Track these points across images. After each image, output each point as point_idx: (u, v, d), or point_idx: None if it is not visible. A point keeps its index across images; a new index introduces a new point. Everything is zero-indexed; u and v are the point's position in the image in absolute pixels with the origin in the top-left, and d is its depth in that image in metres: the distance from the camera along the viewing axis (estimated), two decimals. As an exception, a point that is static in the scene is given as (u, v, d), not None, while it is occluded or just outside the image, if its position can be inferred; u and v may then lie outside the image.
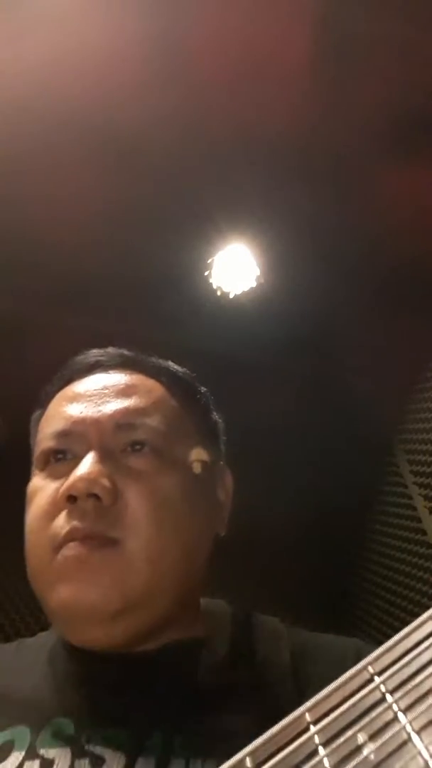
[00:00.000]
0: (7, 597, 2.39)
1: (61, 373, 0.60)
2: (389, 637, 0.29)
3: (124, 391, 0.55)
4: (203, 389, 0.63)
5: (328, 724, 0.25)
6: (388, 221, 1.89)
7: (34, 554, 0.50)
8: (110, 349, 0.61)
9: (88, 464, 0.49)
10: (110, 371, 0.58)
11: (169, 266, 1.99)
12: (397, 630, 0.29)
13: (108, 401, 0.54)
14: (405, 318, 2.17)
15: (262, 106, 1.59)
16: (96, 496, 0.48)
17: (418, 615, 0.29)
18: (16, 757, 0.44)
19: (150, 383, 0.57)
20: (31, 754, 0.44)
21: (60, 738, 0.44)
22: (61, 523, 0.48)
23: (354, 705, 0.26)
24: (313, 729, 0.25)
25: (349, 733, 0.25)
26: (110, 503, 0.48)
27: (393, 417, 2.50)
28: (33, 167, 1.68)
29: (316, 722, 0.26)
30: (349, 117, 1.61)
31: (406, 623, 0.29)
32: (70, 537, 0.47)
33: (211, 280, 2.05)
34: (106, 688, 0.48)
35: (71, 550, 0.47)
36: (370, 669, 0.28)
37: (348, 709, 0.26)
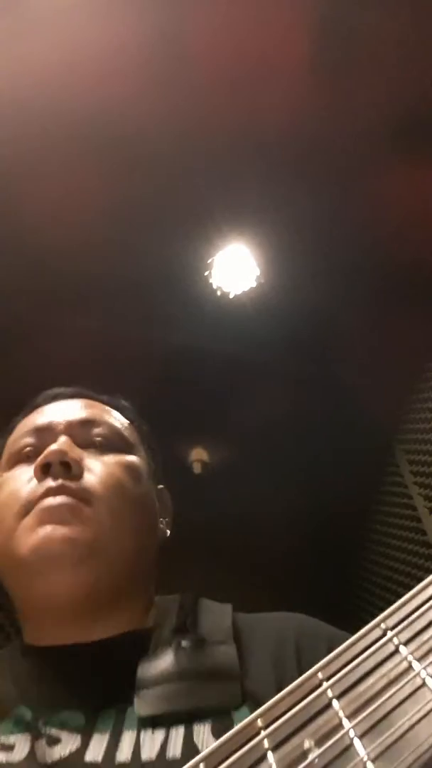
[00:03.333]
0: (7, 597, 2.39)
1: (26, 407, 0.68)
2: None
3: (85, 405, 0.65)
4: (145, 426, 0.72)
5: (277, 728, 0.26)
6: (388, 221, 1.89)
7: (4, 523, 0.54)
8: (66, 388, 0.71)
9: (60, 441, 0.56)
10: (70, 399, 0.67)
11: (169, 266, 1.99)
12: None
13: (73, 411, 0.63)
14: (404, 318, 2.17)
15: (262, 106, 1.59)
16: (68, 465, 0.54)
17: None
18: None
19: (105, 407, 0.67)
20: None
21: (19, 725, 0.47)
22: (35, 487, 0.54)
23: (302, 710, 0.26)
24: (263, 733, 0.26)
25: (296, 738, 0.25)
26: (78, 474, 0.55)
27: (393, 417, 2.50)
28: (33, 167, 1.68)
29: (266, 727, 0.26)
30: (349, 117, 1.61)
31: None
32: (44, 494, 0.53)
33: (211, 280, 2.05)
34: (61, 677, 0.51)
35: (46, 502, 0.52)
36: (320, 675, 0.28)
37: (296, 714, 0.26)
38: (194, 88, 1.54)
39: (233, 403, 2.44)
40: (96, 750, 0.44)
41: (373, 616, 0.30)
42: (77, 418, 0.61)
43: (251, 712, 0.29)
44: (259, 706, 0.27)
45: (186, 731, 0.44)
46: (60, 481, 0.53)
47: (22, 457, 0.59)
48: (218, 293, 2.08)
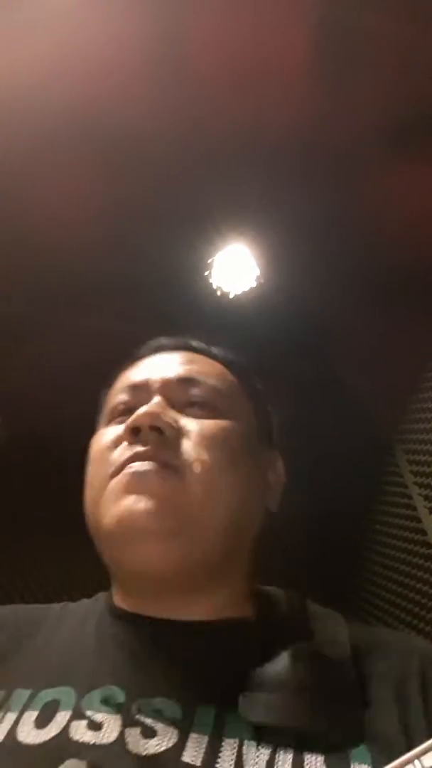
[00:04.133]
0: (7, 596, 2.39)
1: (128, 358, 0.65)
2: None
3: (187, 361, 0.60)
4: (258, 381, 0.67)
5: None
6: (389, 221, 1.89)
7: (93, 484, 0.53)
8: (171, 336, 0.67)
9: (152, 402, 0.53)
10: (173, 352, 0.63)
11: (169, 266, 1.99)
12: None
13: (172, 366, 0.59)
14: (405, 318, 2.17)
15: (262, 106, 1.59)
16: (159, 430, 0.50)
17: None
18: (63, 716, 0.43)
19: (211, 361, 0.62)
20: (77, 714, 0.43)
21: (109, 705, 0.43)
22: (123, 450, 0.51)
23: None
24: None
25: None
26: (170, 439, 0.51)
27: (393, 417, 2.50)
28: (33, 167, 1.68)
29: None
30: (350, 117, 1.61)
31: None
32: (132, 460, 0.50)
33: (211, 280, 2.05)
34: (158, 659, 0.47)
35: (132, 468, 0.49)
36: None
37: None
38: (194, 88, 1.54)
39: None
40: (194, 752, 0.40)
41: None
42: (175, 375, 0.57)
43: (370, 753, 0.28)
44: (379, 747, 0.24)
45: (295, 758, 0.38)
46: (148, 447, 0.50)
47: (116, 414, 0.57)
48: (218, 293, 2.08)
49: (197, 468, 0.50)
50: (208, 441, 0.52)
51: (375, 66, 1.49)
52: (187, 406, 0.55)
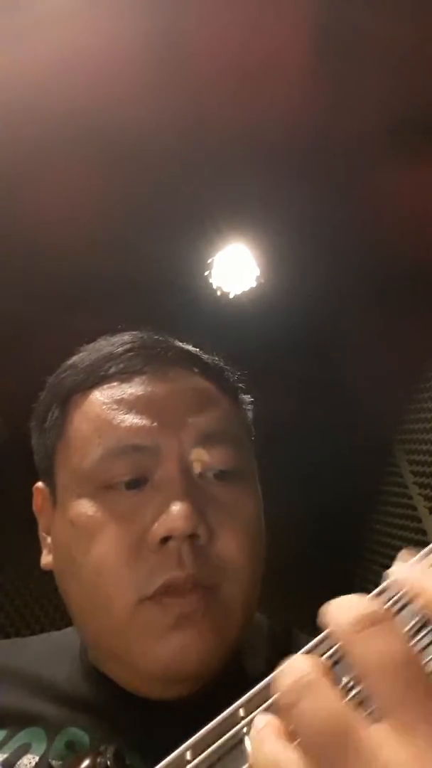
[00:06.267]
0: (7, 597, 2.39)
1: (90, 362, 0.49)
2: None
3: (199, 397, 0.46)
4: (242, 390, 0.56)
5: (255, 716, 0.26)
6: (389, 221, 1.89)
7: (111, 605, 0.42)
8: (153, 340, 0.50)
9: (182, 498, 0.41)
10: (170, 369, 0.47)
11: (169, 266, 1.99)
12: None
13: (183, 408, 0.44)
14: (405, 318, 2.17)
15: (262, 106, 1.58)
16: (195, 536, 0.41)
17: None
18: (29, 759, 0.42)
19: (210, 387, 0.49)
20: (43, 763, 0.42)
21: (74, 750, 0.42)
22: (153, 569, 0.41)
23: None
24: (243, 722, 0.26)
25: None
26: (205, 540, 0.41)
27: (393, 417, 2.50)
28: (33, 168, 1.68)
29: (246, 716, 0.27)
30: (350, 117, 1.61)
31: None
32: (169, 587, 0.40)
33: (211, 280, 2.05)
34: (132, 719, 0.43)
35: (172, 604, 0.40)
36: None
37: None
38: (195, 88, 1.54)
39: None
40: None
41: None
42: (195, 435, 0.44)
43: None
44: None
45: None
46: (187, 569, 0.40)
47: (112, 485, 0.43)
48: (218, 293, 2.08)
49: (236, 582, 0.42)
50: (243, 542, 0.43)
51: (375, 66, 1.49)
52: (206, 476, 0.44)
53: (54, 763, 0.41)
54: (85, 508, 0.44)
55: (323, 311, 2.19)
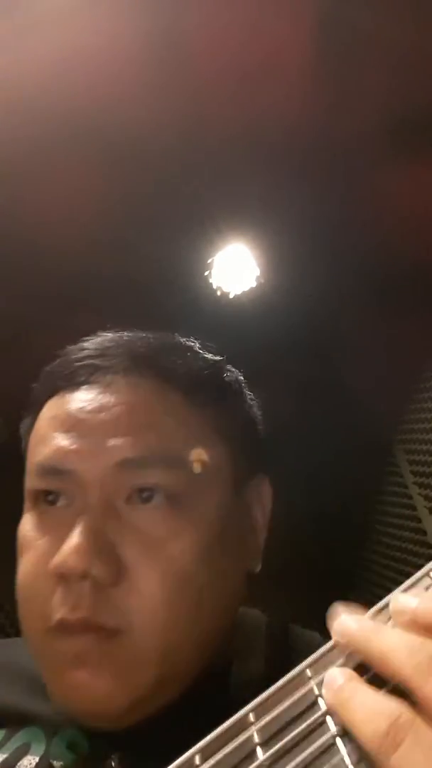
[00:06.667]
0: (7, 597, 2.38)
1: (52, 370, 0.48)
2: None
3: (131, 415, 0.42)
4: (236, 385, 0.51)
5: (268, 722, 0.26)
6: (389, 221, 1.89)
7: (27, 630, 0.42)
8: (111, 345, 0.47)
9: (79, 533, 0.38)
10: (113, 380, 0.44)
11: (169, 266, 1.99)
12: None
13: (109, 429, 0.41)
14: (405, 318, 2.17)
15: (262, 106, 1.58)
16: (87, 576, 0.38)
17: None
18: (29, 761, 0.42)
19: (164, 397, 0.44)
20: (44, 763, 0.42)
21: (74, 752, 0.42)
22: (51, 602, 0.39)
23: (292, 705, 0.26)
24: (253, 728, 0.26)
25: (286, 732, 0.25)
26: (111, 584, 0.38)
27: (393, 417, 2.50)
28: (32, 168, 1.68)
29: (257, 721, 0.26)
30: (350, 117, 1.61)
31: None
32: (61, 626, 0.38)
33: (211, 280, 2.05)
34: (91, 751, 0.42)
35: (65, 642, 0.38)
36: (308, 672, 0.28)
37: (285, 710, 0.26)
38: (195, 88, 1.54)
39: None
40: None
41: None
42: (114, 460, 0.40)
43: None
44: None
45: None
46: (80, 615, 0.38)
47: (41, 502, 0.43)
48: (218, 293, 2.08)
49: (149, 627, 0.38)
50: (164, 581, 0.39)
51: (375, 66, 1.49)
52: (132, 501, 0.40)
53: (55, 763, 0.41)
54: (24, 524, 0.44)
55: (323, 311, 2.19)
